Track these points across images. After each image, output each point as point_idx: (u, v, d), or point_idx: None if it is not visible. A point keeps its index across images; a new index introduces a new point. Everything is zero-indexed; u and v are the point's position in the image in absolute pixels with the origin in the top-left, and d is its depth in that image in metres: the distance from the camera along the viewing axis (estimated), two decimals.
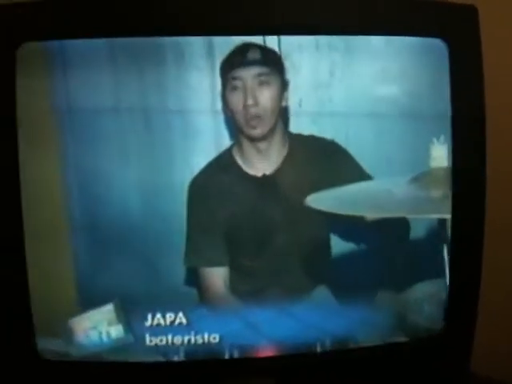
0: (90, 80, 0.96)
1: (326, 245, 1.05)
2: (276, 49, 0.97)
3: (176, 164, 0.99)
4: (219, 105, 0.99)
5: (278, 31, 0.96)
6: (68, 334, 1.02)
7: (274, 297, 1.03)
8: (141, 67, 0.96)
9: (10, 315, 0.99)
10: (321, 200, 0.99)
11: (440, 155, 0.98)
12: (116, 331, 1.04)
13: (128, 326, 1.03)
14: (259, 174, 1.02)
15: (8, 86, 0.94)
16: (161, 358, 1.04)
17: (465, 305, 1.08)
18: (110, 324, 1.04)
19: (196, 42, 0.96)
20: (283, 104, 1.00)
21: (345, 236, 1.05)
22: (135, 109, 0.97)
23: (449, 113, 1.00)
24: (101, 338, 1.04)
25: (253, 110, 0.98)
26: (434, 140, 0.98)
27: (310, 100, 0.98)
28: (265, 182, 1.02)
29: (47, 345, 1.00)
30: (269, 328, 1.03)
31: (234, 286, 1.05)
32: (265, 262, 1.03)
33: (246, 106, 0.98)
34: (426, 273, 1.04)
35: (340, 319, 1.04)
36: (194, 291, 1.06)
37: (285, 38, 0.96)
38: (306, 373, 1.07)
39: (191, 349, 1.04)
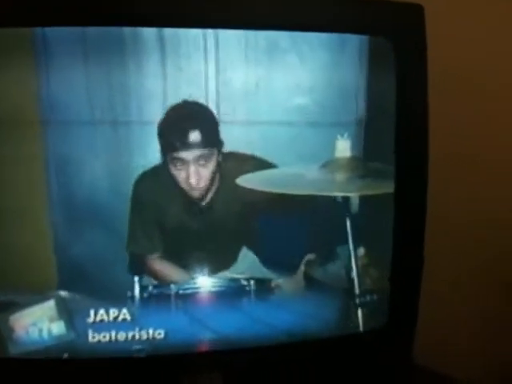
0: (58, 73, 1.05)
1: (252, 218, 1.18)
2: (213, 66, 1.08)
3: (133, 160, 1.12)
4: None
5: (216, 25, 1.04)
6: (7, 330, 1.03)
7: (209, 263, 1.15)
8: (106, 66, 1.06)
9: None
10: (248, 180, 1.13)
11: (344, 148, 1.15)
12: (57, 328, 1.05)
13: (70, 323, 1.06)
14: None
15: None
16: (104, 355, 1.05)
17: (406, 298, 1.15)
18: (51, 320, 1.05)
19: (152, 48, 1.06)
20: (219, 159, 1.12)
21: (265, 210, 1.18)
22: (104, 118, 1.09)
23: (357, 112, 1.16)
24: (41, 334, 1.04)
25: (195, 186, 1.11)
26: (339, 136, 1.14)
27: (240, 108, 1.11)
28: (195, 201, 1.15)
29: None
30: (214, 322, 1.11)
31: (169, 262, 1.17)
32: (197, 237, 1.16)
33: (188, 183, 1.11)
34: (331, 240, 1.20)
35: (284, 313, 1.15)
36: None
37: (221, 61, 1.08)
38: (253, 367, 1.12)
39: (136, 345, 1.07)
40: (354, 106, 1.17)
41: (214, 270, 1.16)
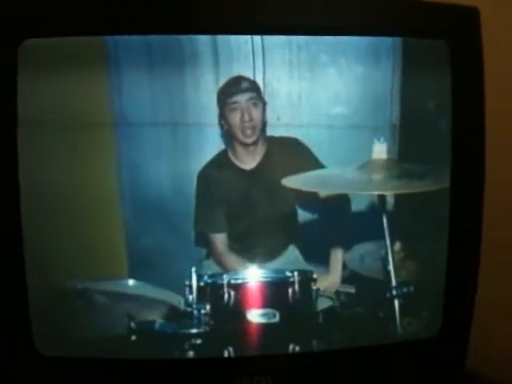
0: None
1: (295, 215, 1.34)
2: (261, 80, 1.25)
3: (192, 159, 1.30)
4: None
5: (268, 31, 1.13)
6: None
7: (259, 254, 1.29)
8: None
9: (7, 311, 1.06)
10: (292, 181, 1.24)
11: (380, 150, 1.23)
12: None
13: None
14: (247, 168, 1.33)
15: (8, 85, 1.01)
16: (156, 356, 1.14)
17: (460, 305, 1.15)
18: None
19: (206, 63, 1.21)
20: (265, 119, 1.31)
21: (307, 208, 1.34)
22: (166, 121, 1.29)
23: (393, 118, 1.27)
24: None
25: (248, 125, 1.30)
26: (376, 140, 1.22)
27: (284, 115, 1.28)
28: (251, 173, 1.33)
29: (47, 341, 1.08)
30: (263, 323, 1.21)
31: (231, 246, 1.34)
32: (252, 229, 1.30)
33: (243, 122, 1.29)
34: (368, 235, 1.29)
35: (332, 321, 1.24)
36: (203, 251, 1.37)
37: (268, 73, 1.23)
38: (302, 372, 1.14)
39: (187, 346, 1.19)
40: (389, 112, 1.28)
41: (262, 261, 1.29)
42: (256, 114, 1.30)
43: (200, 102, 1.26)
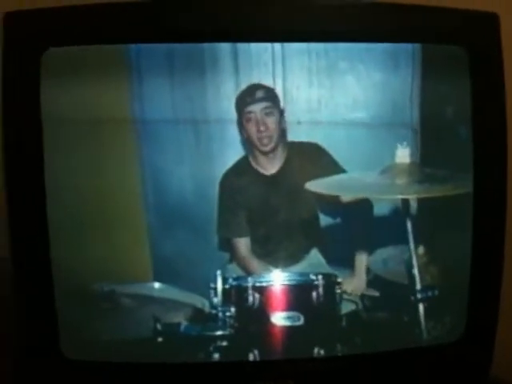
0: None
1: (316, 219, 1.35)
2: (281, 87, 1.26)
3: (214, 164, 1.33)
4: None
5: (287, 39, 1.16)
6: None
7: (282, 258, 1.30)
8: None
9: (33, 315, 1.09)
10: (313, 185, 1.25)
11: (403, 155, 1.23)
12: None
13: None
14: (268, 173, 1.35)
15: (32, 91, 1.05)
16: (179, 360, 1.17)
17: (484, 309, 1.15)
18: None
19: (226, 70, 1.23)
20: (282, 126, 1.31)
21: (328, 212, 1.35)
22: (187, 122, 1.31)
23: (414, 123, 1.26)
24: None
25: (264, 134, 1.31)
26: (399, 145, 1.23)
27: (304, 121, 1.28)
28: (272, 178, 1.34)
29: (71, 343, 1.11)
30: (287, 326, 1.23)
31: (254, 250, 1.35)
32: (274, 233, 1.32)
33: (259, 131, 1.31)
34: (391, 239, 1.29)
35: (356, 325, 1.25)
36: (227, 254, 1.38)
37: (288, 80, 1.24)
38: (325, 377, 1.16)
39: (211, 349, 1.21)
40: (409, 117, 1.28)
41: (285, 265, 1.31)
42: (271, 123, 1.32)
43: (220, 108, 1.28)
